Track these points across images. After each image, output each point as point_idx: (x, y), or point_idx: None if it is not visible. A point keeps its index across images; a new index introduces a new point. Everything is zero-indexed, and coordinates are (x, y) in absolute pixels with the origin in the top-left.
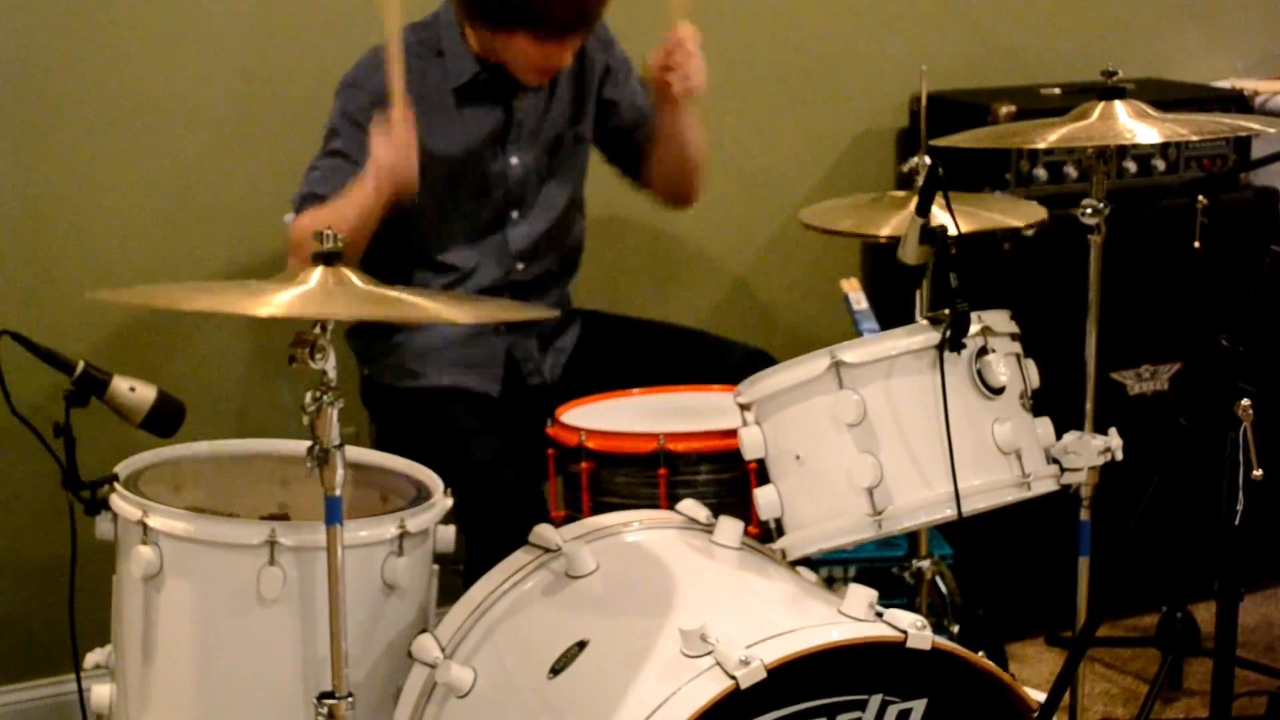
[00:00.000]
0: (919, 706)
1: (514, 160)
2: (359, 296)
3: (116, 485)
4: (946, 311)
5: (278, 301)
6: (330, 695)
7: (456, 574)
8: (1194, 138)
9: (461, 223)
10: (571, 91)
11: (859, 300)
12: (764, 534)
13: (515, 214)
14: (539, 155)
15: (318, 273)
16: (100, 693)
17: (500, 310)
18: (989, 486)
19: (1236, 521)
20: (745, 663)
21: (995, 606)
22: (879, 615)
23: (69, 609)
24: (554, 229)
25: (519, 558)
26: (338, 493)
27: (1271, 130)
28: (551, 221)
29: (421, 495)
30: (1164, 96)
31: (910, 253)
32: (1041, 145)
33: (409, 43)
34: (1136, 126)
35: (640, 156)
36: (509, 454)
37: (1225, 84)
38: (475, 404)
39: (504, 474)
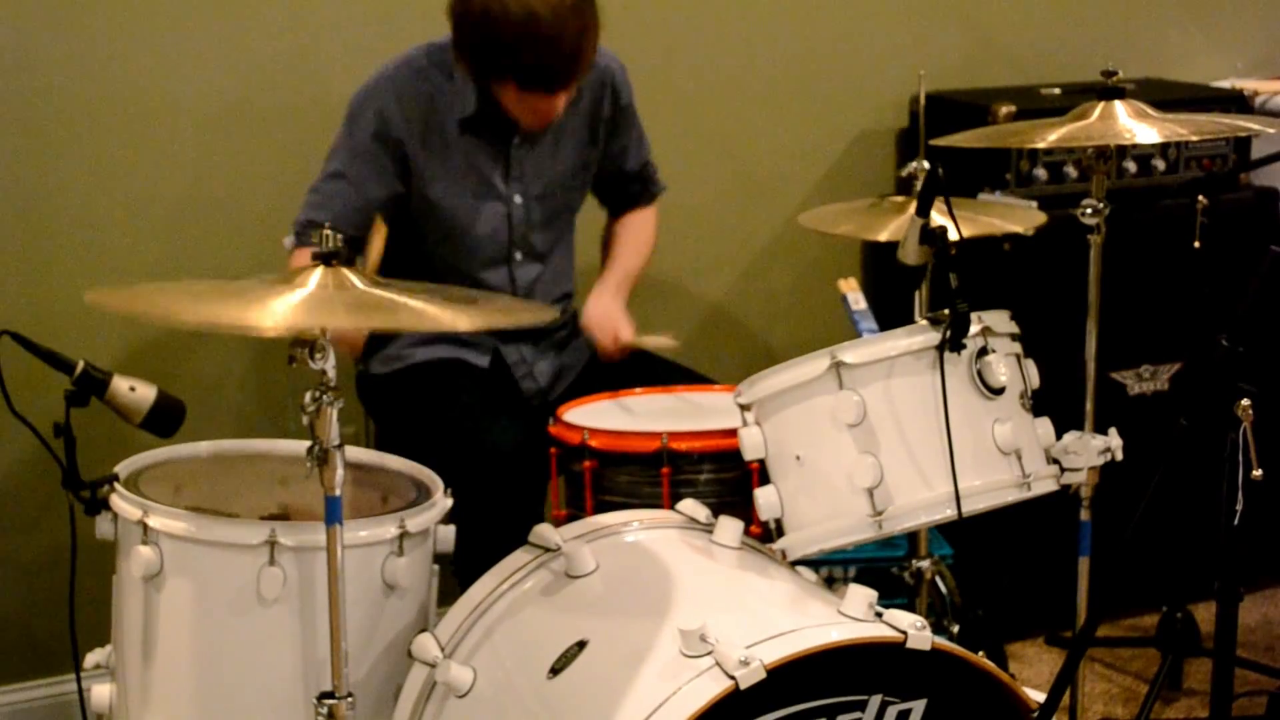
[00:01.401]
0: (919, 707)
1: (517, 199)
2: (358, 303)
3: (116, 485)
4: (946, 312)
5: (277, 312)
6: (330, 695)
7: (453, 561)
8: (1194, 138)
9: (467, 261)
10: (582, 138)
11: (857, 300)
12: (764, 534)
13: (520, 255)
14: (543, 195)
15: (317, 274)
16: (100, 693)
17: (503, 316)
18: (989, 487)
19: (1236, 521)
20: (745, 663)
21: (995, 606)
22: (879, 615)
23: (69, 609)
24: (553, 266)
25: (519, 557)
26: (338, 493)
27: (1271, 130)
28: (553, 262)
29: (421, 495)
30: (1164, 96)
31: (910, 253)
32: (1041, 145)
33: (422, 65)
34: (1136, 126)
35: (613, 202)
36: (498, 410)
37: (1225, 84)
38: (463, 371)
39: (491, 422)
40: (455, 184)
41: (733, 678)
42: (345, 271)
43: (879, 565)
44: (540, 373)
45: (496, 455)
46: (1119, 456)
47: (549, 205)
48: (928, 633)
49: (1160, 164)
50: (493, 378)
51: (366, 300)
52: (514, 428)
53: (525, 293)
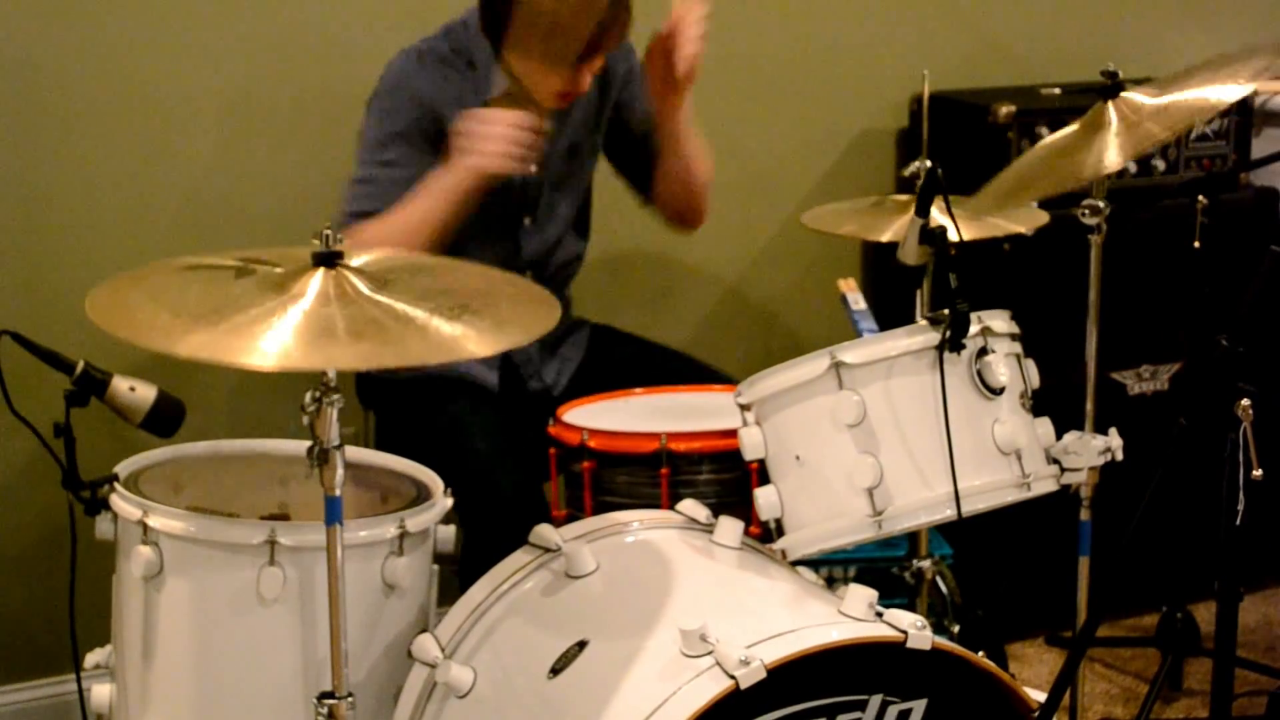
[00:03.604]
0: (919, 707)
1: (531, 166)
2: (360, 320)
3: (116, 485)
4: (946, 312)
5: (271, 352)
6: (330, 695)
7: (456, 574)
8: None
9: (474, 226)
10: (594, 98)
11: (857, 301)
12: (764, 534)
13: (528, 220)
14: (556, 162)
15: (317, 276)
16: (100, 693)
17: (520, 332)
18: (989, 487)
19: (1236, 521)
20: (745, 663)
21: (995, 606)
22: (879, 615)
23: (69, 609)
24: (564, 237)
25: (519, 557)
26: (338, 493)
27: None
28: (562, 230)
29: (421, 495)
30: None
31: (910, 253)
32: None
33: (442, 51)
34: None
35: (649, 170)
36: (507, 450)
37: None
38: (474, 395)
39: (501, 468)
40: None
41: (733, 677)
42: (346, 274)
43: (879, 565)
44: (546, 372)
45: (506, 503)
46: (1119, 456)
47: (561, 171)
48: (928, 633)
49: (1160, 164)
50: (503, 398)
51: (368, 318)
52: (522, 470)
53: (529, 263)
